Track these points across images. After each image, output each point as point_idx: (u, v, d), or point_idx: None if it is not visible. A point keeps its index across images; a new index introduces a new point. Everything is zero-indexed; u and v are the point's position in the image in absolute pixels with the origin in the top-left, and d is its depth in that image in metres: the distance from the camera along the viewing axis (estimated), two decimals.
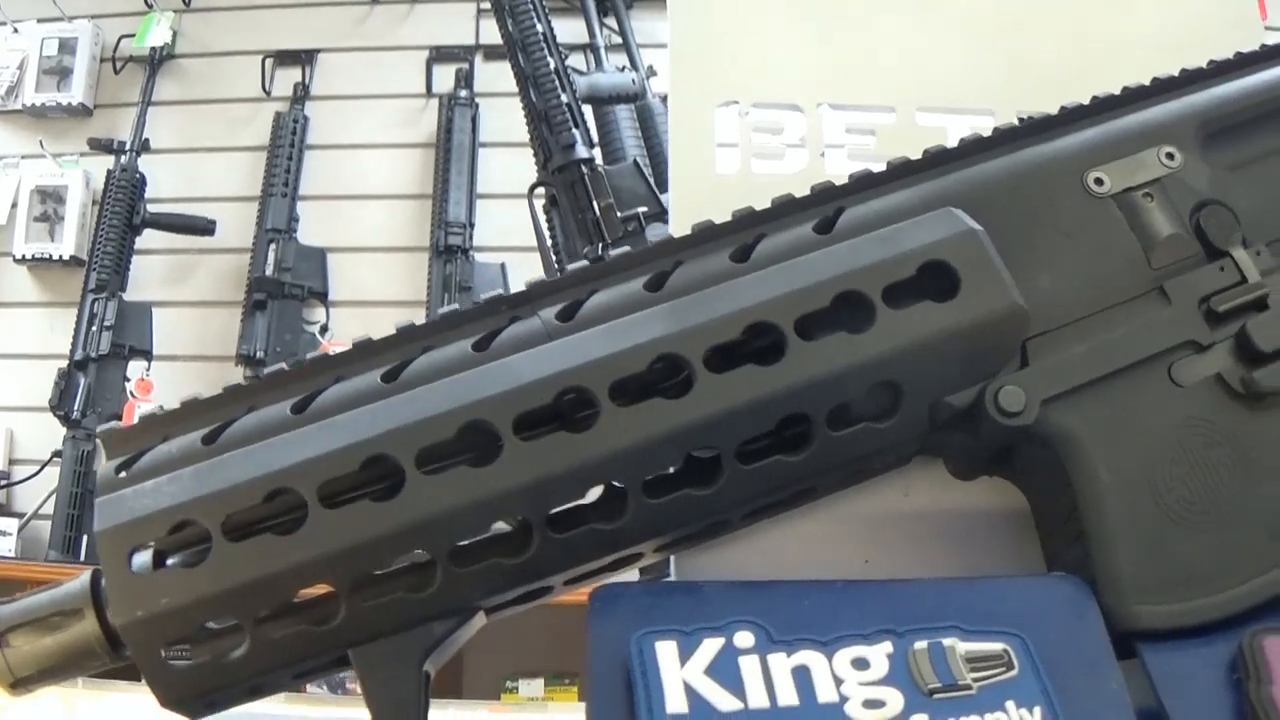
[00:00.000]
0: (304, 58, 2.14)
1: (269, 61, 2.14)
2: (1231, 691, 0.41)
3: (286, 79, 2.15)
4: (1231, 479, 0.46)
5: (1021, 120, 0.51)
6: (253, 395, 0.46)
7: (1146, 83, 0.53)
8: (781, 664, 0.39)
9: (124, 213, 2.07)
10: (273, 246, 2.02)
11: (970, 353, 0.45)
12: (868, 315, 0.44)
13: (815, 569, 0.47)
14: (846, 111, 0.56)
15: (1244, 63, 0.55)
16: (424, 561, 0.42)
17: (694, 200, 0.51)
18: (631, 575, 0.51)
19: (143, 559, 0.42)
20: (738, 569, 0.50)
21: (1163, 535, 0.45)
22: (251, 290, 2.00)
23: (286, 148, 2.07)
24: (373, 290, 1.96)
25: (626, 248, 0.48)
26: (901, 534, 0.51)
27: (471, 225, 2.02)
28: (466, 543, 0.43)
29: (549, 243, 1.64)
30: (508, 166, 1.99)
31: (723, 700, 0.38)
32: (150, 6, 2.20)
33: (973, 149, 0.50)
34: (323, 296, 2.02)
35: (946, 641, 0.40)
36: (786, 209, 0.48)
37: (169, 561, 0.42)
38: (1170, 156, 0.51)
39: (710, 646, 0.39)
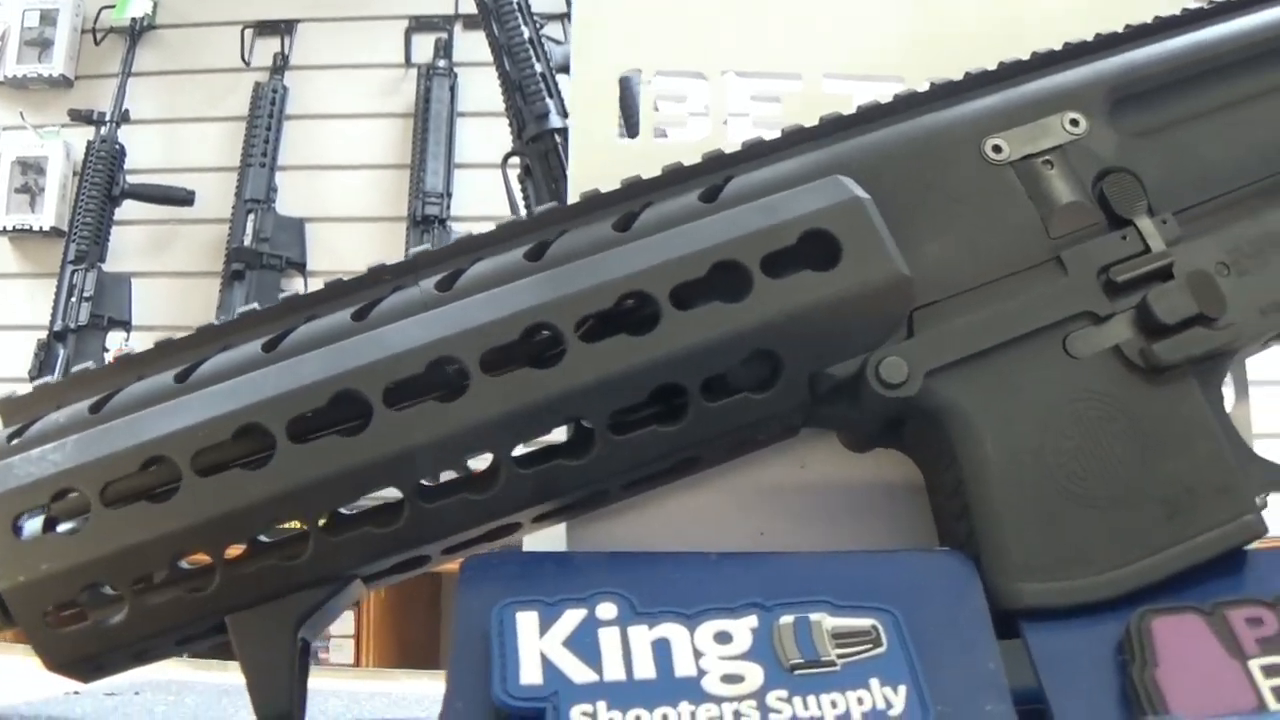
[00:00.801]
0: (283, 28, 2.13)
1: (248, 32, 2.12)
2: (1117, 673, 0.41)
3: (266, 49, 2.14)
4: (1128, 454, 0.45)
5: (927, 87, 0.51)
6: (143, 365, 0.46)
7: (1058, 48, 0.53)
8: (642, 636, 0.39)
9: (103, 184, 2.06)
10: (251, 217, 2.01)
11: (851, 323, 0.44)
12: (745, 284, 0.43)
13: (709, 540, 0.47)
14: (751, 79, 0.55)
15: (1159, 28, 0.53)
16: (297, 529, 0.42)
17: (595, 169, 0.51)
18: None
19: (34, 525, 0.42)
20: (632, 540, 0.50)
21: (1052, 512, 0.44)
22: (230, 260, 2.00)
23: (265, 118, 2.06)
24: (350, 260, 1.93)
25: (511, 217, 0.48)
26: (797, 506, 0.51)
27: (449, 195, 2.01)
28: (338, 512, 0.43)
29: (523, 213, 1.64)
30: (486, 137, 1.97)
31: (578, 672, 0.38)
32: None
33: (869, 116, 0.49)
34: (301, 267, 2.01)
35: (814, 616, 0.39)
36: (675, 177, 0.48)
37: (58, 528, 0.43)
38: (1075, 123, 0.50)
39: (572, 618, 0.39)
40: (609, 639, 0.39)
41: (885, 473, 0.50)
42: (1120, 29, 0.53)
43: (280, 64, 2.12)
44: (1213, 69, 0.52)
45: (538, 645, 0.38)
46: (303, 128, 2.11)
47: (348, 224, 2.04)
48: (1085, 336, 0.47)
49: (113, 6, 2.16)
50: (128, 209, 2.09)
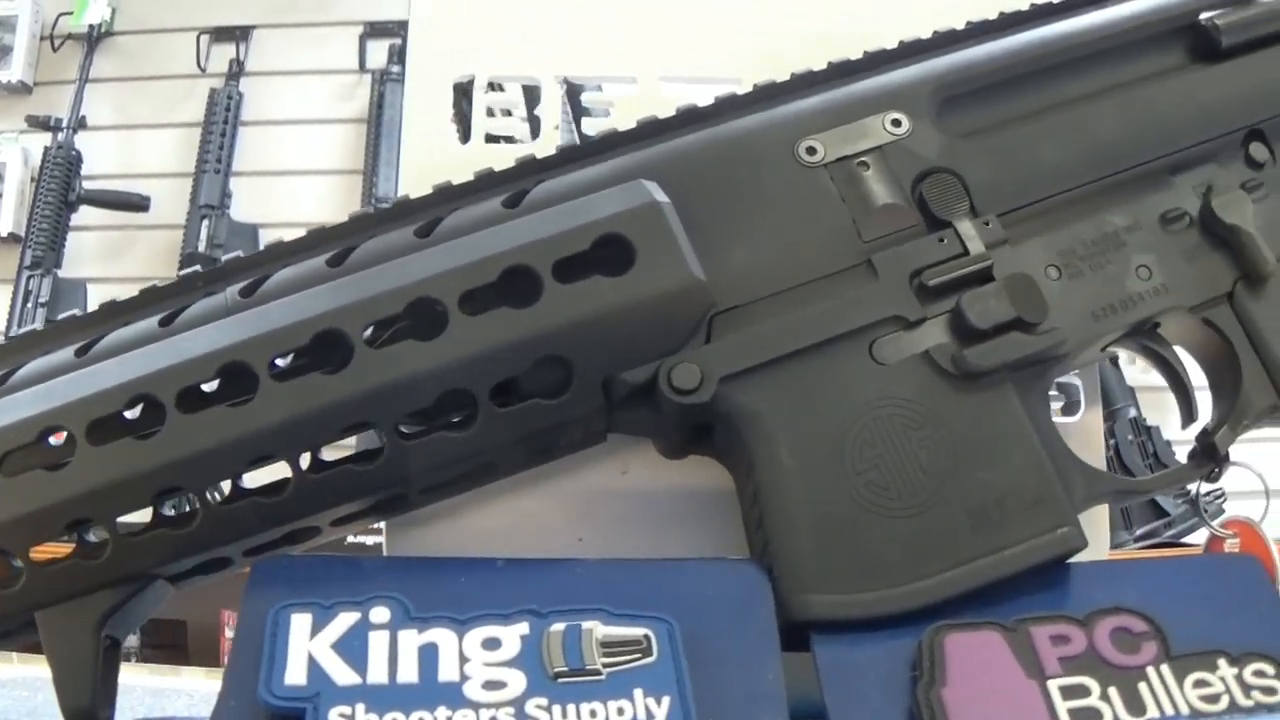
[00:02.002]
0: (238, 34, 2.12)
1: (204, 38, 2.12)
2: (907, 690, 0.39)
3: (222, 55, 2.13)
4: (934, 463, 0.44)
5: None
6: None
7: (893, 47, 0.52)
8: (410, 641, 0.39)
9: (59, 190, 2.06)
10: (205, 223, 2.01)
11: (643, 328, 0.44)
12: (536, 290, 0.43)
13: (529, 545, 0.47)
14: (586, 84, 0.55)
15: (991, 28, 0.53)
16: (98, 529, 0.43)
17: (426, 175, 0.51)
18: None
19: None
20: (452, 545, 0.50)
21: (849, 521, 0.43)
22: (184, 266, 1.98)
23: (220, 124, 2.06)
24: None
25: (322, 225, 0.48)
26: (618, 512, 0.51)
27: None
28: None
29: None
30: None
31: (342, 674, 0.38)
32: None
33: (686, 120, 0.49)
34: None
35: (586, 624, 0.39)
36: (485, 183, 0.48)
37: None
38: (897, 123, 0.49)
39: (345, 620, 0.40)
40: (378, 642, 0.39)
41: (707, 480, 0.50)
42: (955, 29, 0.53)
43: (235, 70, 2.12)
44: (1043, 70, 0.52)
45: (307, 646, 0.39)
46: (257, 133, 2.11)
47: (301, 230, 2.03)
48: (893, 342, 0.46)
49: (70, 13, 2.16)
50: (84, 215, 2.09)
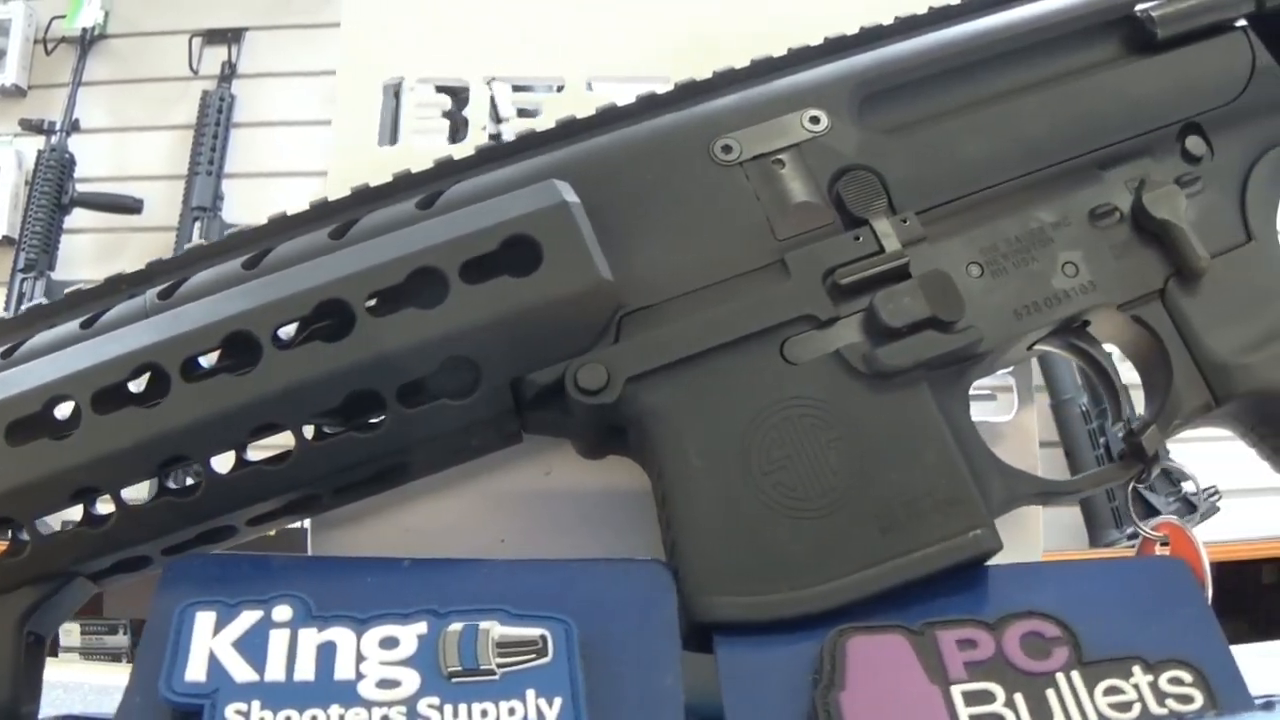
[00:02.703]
0: (230, 36, 2.13)
1: (197, 40, 2.13)
2: (807, 694, 0.39)
3: (214, 58, 2.14)
4: (843, 464, 0.44)
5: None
6: None
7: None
8: (310, 639, 0.39)
9: (53, 192, 2.07)
10: (198, 225, 2.01)
11: (550, 328, 0.44)
12: (442, 291, 0.43)
13: (451, 546, 0.47)
14: (515, 85, 0.55)
15: (914, 24, 0.52)
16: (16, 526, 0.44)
17: (355, 176, 0.51)
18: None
19: None
20: (376, 545, 0.50)
21: (755, 523, 0.43)
22: None
23: (212, 126, 2.06)
24: None
25: (241, 227, 0.48)
26: (541, 513, 0.51)
27: None
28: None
29: None
30: None
31: (241, 671, 0.38)
32: None
33: (604, 119, 0.49)
34: None
35: (484, 625, 0.39)
36: (401, 185, 0.48)
37: None
38: (815, 120, 0.49)
39: (247, 619, 0.40)
40: (278, 641, 0.39)
41: (629, 481, 0.49)
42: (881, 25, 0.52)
43: (228, 72, 2.12)
44: (971, 64, 0.51)
45: (209, 644, 0.39)
46: (250, 135, 2.11)
47: None
48: (805, 341, 0.45)
49: (64, 17, 2.17)
50: (77, 217, 2.09)
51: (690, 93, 0.50)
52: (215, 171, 2.05)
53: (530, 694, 0.38)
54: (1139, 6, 0.54)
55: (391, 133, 0.54)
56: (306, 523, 0.51)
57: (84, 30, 2.16)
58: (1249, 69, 0.54)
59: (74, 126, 2.12)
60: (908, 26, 0.52)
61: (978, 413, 0.55)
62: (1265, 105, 0.53)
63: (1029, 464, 0.54)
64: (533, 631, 0.39)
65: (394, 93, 0.55)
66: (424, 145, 0.54)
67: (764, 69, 0.51)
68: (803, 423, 0.44)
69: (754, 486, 0.43)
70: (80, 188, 2.10)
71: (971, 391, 0.54)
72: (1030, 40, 0.52)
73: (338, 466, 0.44)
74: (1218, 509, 1.93)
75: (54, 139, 2.10)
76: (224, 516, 0.44)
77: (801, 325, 0.46)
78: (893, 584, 0.42)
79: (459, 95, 0.54)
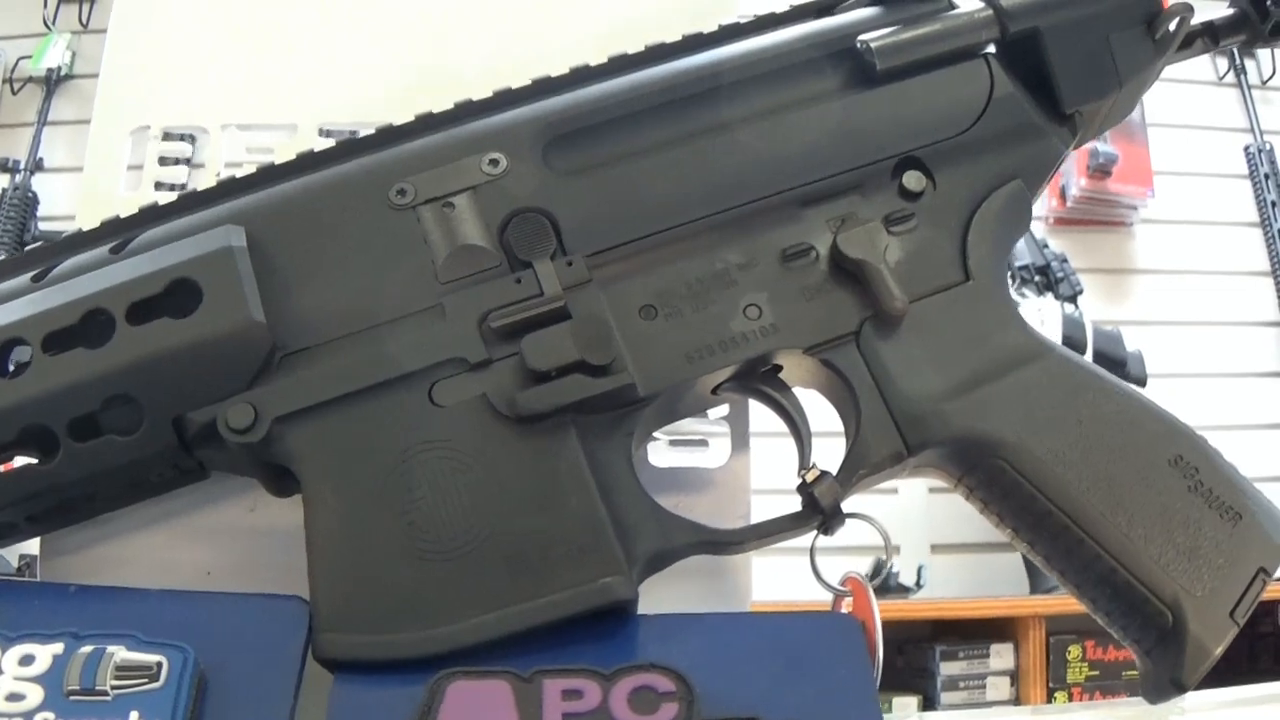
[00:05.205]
0: None
1: None
2: None
3: None
4: (478, 508, 0.44)
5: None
6: None
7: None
8: None
9: (15, 230, 2.11)
10: None
11: (205, 368, 0.45)
12: (109, 331, 0.45)
13: (159, 577, 0.49)
14: (249, 131, 0.57)
15: (606, 70, 0.52)
16: None
17: (100, 219, 0.53)
18: None
19: None
20: (95, 573, 0.52)
21: (386, 564, 0.43)
22: None
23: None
24: None
25: None
26: (245, 547, 0.52)
27: None
28: None
29: None
30: None
31: None
32: (49, 28, 2.25)
33: (298, 166, 0.50)
34: None
35: (110, 648, 0.41)
36: (106, 230, 0.50)
37: None
38: (495, 163, 0.49)
39: None
40: None
41: None
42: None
43: None
44: (665, 104, 0.51)
45: None
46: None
47: None
48: (455, 384, 0.45)
49: (30, 57, 2.22)
50: None
51: (388, 137, 0.50)
52: None
53: (134, 715, 0.40)
54: (860, 38, 0.52)
55: (137, 178, 0.57)
56: (36, 550, 0.53)
57: (49, 71, 2.21)
58: (985, 98, 0.52)
59: (38, 165, 2.17)
60: (618, 66, 0.52)
61: (686, 459, 0.55)
62: (1001, 136, 0.52)
63: (740, 511, 0.54)
64: (152, 658, 0.41)
65: (140, 139, 0.57)
66: (165, 191, 0.56)
67: (463, 113, 0.51)
68: (440, 465, 0.44)
69: (388, 528, 0.44)
70: (43, 226, 2.15)
71: (678, 437, 0.54)
72: (745, 75, 0.51)
73: (23, 495, 0.46)
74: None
75: (18, 177, 2.15)
76: None
77: (452, 368, 0.46)
78: (517, 628, 0.42)
79: (197, 142, 0.57)
